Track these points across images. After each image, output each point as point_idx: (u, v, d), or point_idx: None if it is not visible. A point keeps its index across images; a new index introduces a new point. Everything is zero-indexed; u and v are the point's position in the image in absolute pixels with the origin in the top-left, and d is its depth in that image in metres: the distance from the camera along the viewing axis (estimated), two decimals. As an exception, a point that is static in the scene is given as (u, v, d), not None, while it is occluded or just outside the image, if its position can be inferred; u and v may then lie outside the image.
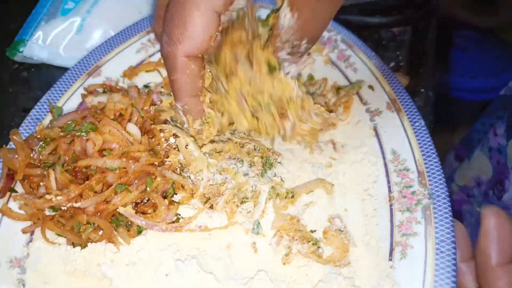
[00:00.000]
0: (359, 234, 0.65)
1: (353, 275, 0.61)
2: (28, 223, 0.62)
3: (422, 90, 0.85)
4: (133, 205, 0.61)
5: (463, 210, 0.66)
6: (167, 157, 0.66)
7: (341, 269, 0.61)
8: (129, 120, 0.65)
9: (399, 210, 0.65)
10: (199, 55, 0.50)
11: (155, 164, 0.63)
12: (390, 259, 0.61)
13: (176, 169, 0.66)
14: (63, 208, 0.59)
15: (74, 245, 0.61)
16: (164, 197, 0.63)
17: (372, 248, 0.62)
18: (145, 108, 0.67)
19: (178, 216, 0.64)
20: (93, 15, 0.90)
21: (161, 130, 0.68)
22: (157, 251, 0.59)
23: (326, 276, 0.60)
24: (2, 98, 0.88)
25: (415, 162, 0.68)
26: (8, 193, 0.63)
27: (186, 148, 0.68)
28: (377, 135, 0.74)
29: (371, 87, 0.79)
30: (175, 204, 0.63)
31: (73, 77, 0.80)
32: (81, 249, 0.60)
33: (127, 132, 0.63)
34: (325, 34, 0.87)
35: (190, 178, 0.66)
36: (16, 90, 0.89)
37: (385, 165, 0.70)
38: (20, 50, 0.87)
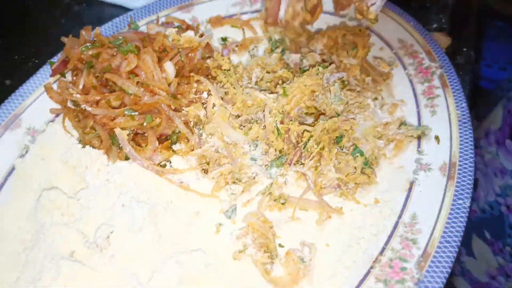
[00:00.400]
0: (323, 276, 0.57)
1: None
2: (59, 107, 0.69)
3: (464, 49, 0.85)
4: (133, 132, 0.63)
5: (486, 163, 0.58)
6: (190, 104, 0.67)
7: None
8: (171, 59, 0.66)
9: (376, 277, 0.55)
10: None
11: (171, 108, 0.64)
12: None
13: (190, 121, 0.66)
14: (82, 107, 0.65)
15: (80, 142, 0.67)
16: (165, 140, 0.64)
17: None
18: (190, 54, 0.67)
19: (169, 163, 0.65)
20: None
21: (198, 81, 0.69)
22: (129, 182, 0.61)
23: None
24: (55, 30, 0.92)
25: (429, 241, 0.57)
26: (58, 76, 0.71)
27: (212, 108, 0.67)
28: (409, 191, 0.63)
29: (437, 138, 0.67)
30: (171, 151, 0.64)
31: (164, 5, 0.84)
32: (82, 147, 0.66)
33: (163, 68, 0.65)
34: (426, 61, 0.75)
35: (200, 135, 0.66)
36: (68, 23, 0.94)
37: (395, 226, 0.60)
38: None
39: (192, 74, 0.67)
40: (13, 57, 0.90)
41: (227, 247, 0.60)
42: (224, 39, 0.83)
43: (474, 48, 0.80)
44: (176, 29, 0.75)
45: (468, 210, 0.59)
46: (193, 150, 0.65)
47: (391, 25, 0.81)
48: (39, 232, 0.58)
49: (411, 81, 0.75)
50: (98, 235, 0.56)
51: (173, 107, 0.64)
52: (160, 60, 0.64)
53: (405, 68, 0.76)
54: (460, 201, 0.60)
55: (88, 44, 0.65)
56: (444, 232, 0.57)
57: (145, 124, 0.61)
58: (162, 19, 0.81)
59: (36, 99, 0.71)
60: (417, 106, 0.72)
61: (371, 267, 0.56)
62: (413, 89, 0.74)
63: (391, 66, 0.77)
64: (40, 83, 0.72)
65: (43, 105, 0.70)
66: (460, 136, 0.66)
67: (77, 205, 0.60)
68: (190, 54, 0.67)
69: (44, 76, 0.73)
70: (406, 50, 0.78)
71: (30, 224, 0.60)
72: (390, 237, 0.59)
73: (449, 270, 0.54)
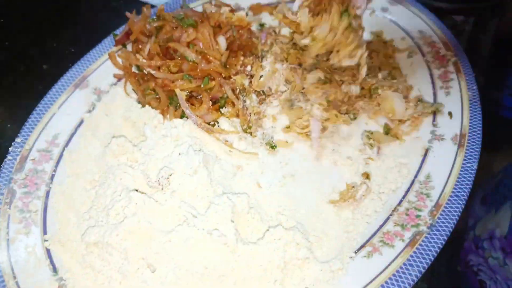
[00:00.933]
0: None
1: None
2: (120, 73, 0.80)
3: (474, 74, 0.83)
4: (188, 94, 0.73)
5: (469, 260, 0.63)
6: (236, 74, 0.77)
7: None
8: (224, 34, 0.77)
9: (394, 222, 0.65)
10: None
11: (222, 75, 0.74)
12: (356, 252, 0.63)
13: (237, 89, 0.76)
14: (145, 71, 0.75)
15: (139, 102, 0.77)
16: (214, 103, 0.75)
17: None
18: (240, 31, 0.78)
19: (216, 123, 0.75)
20: None
21: (244, 55, 0.79)
22: (184, 135, 0.71)
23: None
24: (92, 22, 0.99)
25: (440, 195, 0.66)
26: (120, 46, 0.82)
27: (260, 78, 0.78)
28: (424, 156, 0.73)
29: (450, 114, 0.77)
30: (219, 113, 0.75)
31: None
32: (141, 107, 0.76)
33: (216, 41, 0.75)
34: (442, 50, 0.86)
35: (244, 101, 0.76)
36: (106, 16, 0.99)
37: (412, 183, 0.69)
38: None
39: (239, 50, 0.77)
40: (52, 44, 0.97)
41: (267, 198, 0.69)
42: (262, 25, 0.93)
43: (483, 73, 0.84)
44: (230, 8, 0.85)
45: (475, 171, 0.68)
46: (238, 114, 0.75)
47: (414, 18, 0.91)
48: (108, 172, 0.69)
49: (429, 67, 0.85)
50: (160, 175, 0.66)
51: (223, 75, 0.74)
52: (215, 34, 0.75)
53: (423, 55, 0.86)
54: (468, 164, 0.69)
55: (154, 17, 0.76)
56: (454, 188, 0.67)
57: (202, 86, 0.71)
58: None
59: (101, 64, 0.81)
60: (433, 87, 0.82)
61: (390, 215, 0.66)
62: (431, 73, 0.84)
63: (411, 53, 0.87)
64: (104, 51, 0.83)
65: (107, 70, 0.81)
66: (470, 112, 0.76)
67: (140, 153, 0.71)
68: (240, 31, 0.77)
69: (107, 45, 0.84)
70: (425, 40, 0.88)
71: (98, 167, 0.70)
72: (407, 192, 0.69)
73: (457, 218, 0.63)
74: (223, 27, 0.77)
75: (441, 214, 0.64)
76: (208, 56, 0.73)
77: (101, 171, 0.70)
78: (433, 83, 0.83)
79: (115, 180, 0.67)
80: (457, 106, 0.77)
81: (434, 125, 0.76)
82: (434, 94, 0.81)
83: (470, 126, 0.74)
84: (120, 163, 0.69)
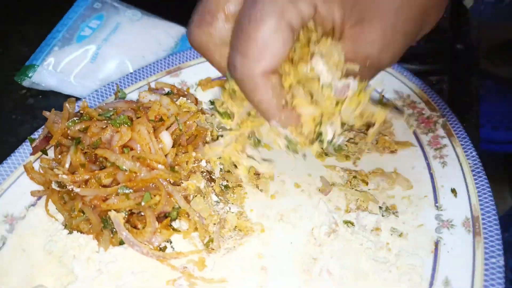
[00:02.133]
0: None
1: None
2: (40, 188, 0.62)
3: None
4: (128, 212, 0.56)
5: None
6: (189, 175, 0.61)
7: None
8: (167, 128, 0.62)
9: None
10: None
11: (170, 181, 0.58)
12: None
13: (190, 195, 0.60)
14: (68, 187, 0.58)
15: (66, 226, 0.59)
16: (164, 217, 0.58)
17: None
18: (188, 122, 0.63)
19: (169, 244, 0.58)
20: (110, 43, 0.85)
21: (196, 148, 0.64)
22: (126, 271, 0.54)
23: None
24: (3, 126, 0.81)
25: (469, 309, 0.51)
26: (39, 154, 0.65)
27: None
28: (436, 252, 0.58)
29: (454, 191, 0.63)
30: (171, 230, 0.58)
31: (153, 70, 0.81)
32: (68, 233, 0.58)
33: (159, 139, 0.60)
34: (426, 111, 0.74)
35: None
36: (20, 119, 0.82)
37: (429, 294, 0.54)
38: (29, 75, 0.82)
39: (188, 145, 0.62)
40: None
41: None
42: (212, 102, 0.80)
43: (477, 140, 0.76)
44: (170, 95, 0.71)
45: (503, 269, 0.54)
46: (196, 228, 0.58)
47: (385, 77, 0.80)
48: None
49: (414, 132, 0.72)
50: None
51: (171, 181, 0.58)
52: (155, 130, 0.59)
53: (406, 120, 0.74)
54: (493, 259, 0.55)
55: (75, 118, 0.60)
56: (483, 297, 0.52)
57: (143, 203, 0.55)
58: (152, 85, 0.77)
59: (15, 181, 0.63)
60: (426, 158, 0.69)
61: None
62: (418, 140, 0.71)
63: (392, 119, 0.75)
64: (19, 163, 0.65)
65: (23, 187, 0.63)
66: (477, 187, 0.63)
67: (66, 305, 0.52)
68: (188, 122, 0.62)
69: (23, 154, 0.66)
70: (404, 101, 0.77)
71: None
72: (425, 308, 0.53)
73: None
74: (166, 119, 0.62)
75: None
76: (149, 161, 0.57)
77: None
78: (424, 152, 0.70)
79: None
80: (459, 180, 0.64)
81: (438, 208, 0.63)
82: (429, 166, 0.68)
83: (481, 205, 0.61)
84: (38, 327, 0.50)
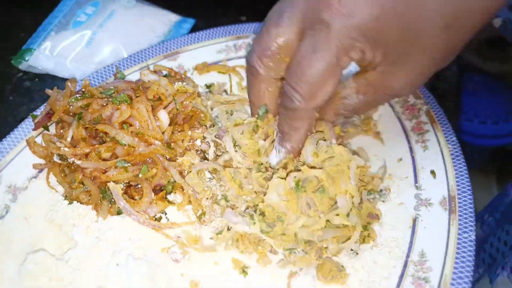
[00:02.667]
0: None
1: None
2: (42, 162, 0.65)
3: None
4: (126, 184, 0.60)
5: None
6: (184, 153, 0.65)
7: None
8: (165, 107, 0.65)
9: (394, 323, 0.53)
10: None
11: (166, 157, 0.62)
12: None
13: (185, 171, 0.64)
14: (69, 160, 0.61)
15: (66, 197, 0.63)
16: (160, 190, 0.62)
17: None
18: (185, 102, 0.66)
19: (164, 215, 0.62)
20: (105, 29, 0.87)
21: (192, 127, 0.67)
22: (124, 238, 0.57)
23: None
24: (2, 108, 0.83)
25: (441, 278, 0.55)
26: (41, 129, 0.68)
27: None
28: (413, 227, 0.62)
29: (433, 172, 0.67)
30: (166, 202, 0.61)
31: (151, 54, 0.84)
32: (68, 203, 0.61)
33: (157, 117, 0.63)
34: (411, 99, 0.78)
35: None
36: (17, 100, 0.85)
37: (405, 265, 0.58)
38: (26, 58, 0.84)
39: (185, 124, 0.65)
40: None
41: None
42: (208, 86, 0.83)
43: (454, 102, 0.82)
44: (168, 78, 0.74)
45: (474, 243, 0.58)
46: (190, 201, 0.62)
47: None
48: (24, 302, 0.53)
49: (399, 118, 0.76)
50: (93, 300, 0.51)
51: (168, 156, 0.62)
52: (153, 109, 0.63)
53: (392, 106, 0.78)
54: (466, 235, 0.59)
55: (77, 95, 0.63)
56: (455, 267, 0.56)
57: (140, 175, 0.58)
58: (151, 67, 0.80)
59: (17, 154, 0.66)
60: (409, 142, 0.73)
61: (387, 313, 0.54)
62: (403, 126, 0.75)
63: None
64: (21, 137, 0.68)
65: (25, 160, 0.66)
66: (455, 169, 0.67)
67: (67, 268, 0.55)
68: (184, 102, 0.65)
69: (26, 130, 0.69)
70: (390, 89, 0.80)
71: (13, 294, 0.54)
72: (401, 278, 0.57)
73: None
74: (164, 99, 0.65)
75: (447, 306, 0.53)
76: (146, 137, 0.60)
77: (16, 300, 0.54)
78: (407, 137, 0.74)
79: (33, 313, 0.51)
80: (439, 163, 0.68)
81: (417, 187, 0.67)
82: (411, 150, 0.72)
83: (457, 185, 0.65)
84: (40, 287, 0.53)
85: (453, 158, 0.68)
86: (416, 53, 0.50)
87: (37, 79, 0.88)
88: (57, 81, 0.87)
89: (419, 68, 0.51)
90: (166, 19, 0.96)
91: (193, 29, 0.96)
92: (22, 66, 0.86)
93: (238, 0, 1.03)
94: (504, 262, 0.71)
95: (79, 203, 0.61)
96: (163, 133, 0.63)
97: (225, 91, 0.83)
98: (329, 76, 0.49)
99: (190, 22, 0.98)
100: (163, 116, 0.63)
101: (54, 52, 0.86)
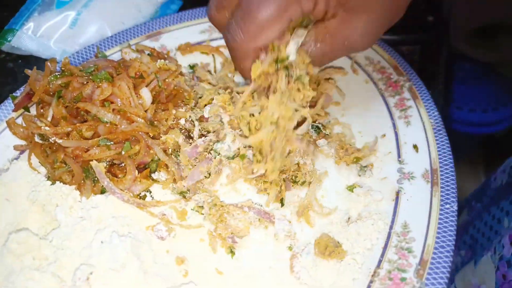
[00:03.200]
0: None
1: None
2: (23, 142, 0.64)
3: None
4: (109, 163, 0.59)
5: None
6: (168, 131, 0.64)
7: None
8: (147, 85, 0.64)
9: (377, 290, 0.54)
10: None
11: (149, 135, 0.61)
12: None
13: (169, 149, 0.63)
14: (51, 140, 0.60)
15: (49, 178, 0.62)
16: (144, 168, 0.61)
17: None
18: (167, 80, 0.66)
19: (149, 193, 0.61)
20: (90, 10, 0.86)
21: (175, 108, 0.67)
22: (108, 216, 0.57)
23: None
24: None
25: (424, 248, 0.56)
26: (21, 111, 0.67)
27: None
28: (396, 200, 0.63)
29: (415, 147, 0.68)
30: (150, 180, 0.61)
31: (133, 34, 0.83)
32: (50, 184, 0.61)
33: (139, 95, 0.63)
34: (394, 76, 0.78)
35: (179, 162, 0.63)
36: (1, 81, 0.83)
37: (388, 236, 0.59)
38: (9, 39, 0.82)
39: (169, 102, 0.65)
40: None
41: (221, 278, 0.56)
42: (192, 67, 0.82)
43: (442, 108, 0.80)
44: (151, 57, 0.73)
45: (456, 213, 0.59)
46: (175, 179, 0.62)
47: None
48: (6, 280, 0.52)
49: (382, 95, 0.77)
50: (77, 277, 0.51)
51: (151, 134, 0.61)
52: (136, 87, 0.62)
53: (375, 83, 0.78)
54: (448, 206, 0.60)
55: (56, 73, 0.62)
56: (437, 237, 0.57)
57: (123, 153, 0.58)
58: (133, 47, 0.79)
59: (-3, 136, 0.65)
60: (392, 118, 0.73)
61: (371, 281, 0.55)
62: (386, 103, 0.76)
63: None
64: (1, 119, 0.67)
65: (5, 142, 0.65)
66: (437, 143, 0.68)
67: (50, 247, 0.55)
68: (167, 80, 0.65)
69: (5, 112, 0.68)
70: (374, 67, 0.81)
71: (-4, 273, 0.54)
72: (385, 248, 0.58)
73: (448, 275, 0.53)
74: (146, 77, 0.64)
75: (429, 273, 0.54)
76: (129, 115, 0.59)
77: (0, 277, 0.53)
78: (390, 113, 0.74)
79: (16, 290, 0.50)
80: (421, 137, 0.69)
81: (400, 162, 0.67)
82: (394, 125, 0.72)
83: (440, 159, 0.66)
84: (23, 266, 0.53)
85: (435, 132, 0.69)
86: (374, 1, 0.50)
87: (20, 60, 0.86)
88: (41, 62, 0.84)
89: (373, 16, 0.51)
90: (153, -1, 0.95)
91: (180, 10, 0.95)
92: (5, 48, 0.85)
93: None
94: (490, 245, 0.72)
95: (62, 183, 0.61)
96: (146, 111, 0.62)
97: (209, 71, 0.83)
98: (275, 21, 0.49)
99: (177, 3, 0.97)
100: (146, 94, 0.63)
101: (37, 33, 0.84)
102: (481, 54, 1.47)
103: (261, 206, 0.62)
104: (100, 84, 0.61)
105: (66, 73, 0.63)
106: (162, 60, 0.67)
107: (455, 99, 1.46)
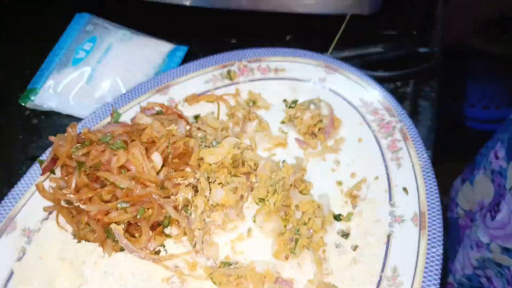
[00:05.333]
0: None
1: None
2: (51, 204, 0.73)
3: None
4: (127, 223, 0.67)
5: (465, 235, 0.60)
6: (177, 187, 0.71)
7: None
8: (157, 149, 0.72)
9: (369, 335, 0.60)
10: None
11: (161, 196, 0.69)
12: None
13: (178, 205, 0.71)
14: (75, 204, 0.69)
15: (75, 236, 0.70)
16: (158, 225, 0.69)
17: None
18: (174, 145, 0.73)
19: (163, 248, 0.69)
20: (103, 65, 0.93)
21: (184, 164, 0.74)
22: (128, 272, 0.65)
23: None
24: (12, 146, 0.90)
25: (411, 292, 0.62)
26: (48, 173, 0.75)
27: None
28: (387, 244, 0.69)
29: (405, 190, 0.73)
30: (163, 235, 0.68)
31: (144, 89, 0.90)
32: (77, 242, 0.69)
33: (151, 159, 0.70)
34: (386, 117, 0.83)
35: (189, 216, 0.71)
36: (26, 138, 0.91)
37: (379, 281, 0.65)
38: (32, 98, 0.91)
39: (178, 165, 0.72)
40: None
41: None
42: (196, 117, 0.89)
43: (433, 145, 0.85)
44: (160, 115, 0.80)
45: (441, 256, 0.65)
46: (185, 233, 0.69)
47: (353, 86, 0.88)
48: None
49: (375, 137, 0.82)
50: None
51: (162, 195, 0.69)
52: (147, 150, 0.69)
53: (369, 125, 0.84)
54: (434, 249, 0.65)
55: (78, 144, 0.70)
56: (423, 281, 0.63)
57: (138, 216, 0.65)
58: (143, 104, 0.86)
59: (29, 199, 0.74)
60: (384, 160, 0.79)
61: (364, 325, 0.61)
62: (379, 145, 0.81)
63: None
64: (31, 182, 0.75)
65: (36, 203, 0.73)
66: (426, 186, 0.73)
67: (80, 302, 0.63)
68: (174, 145, 0.72)
69: (34, 175, 0.76)
70: (368, 108, 0.86)
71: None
72: (376, 292, 0.64)
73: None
74: (157, 141, 0.72)
75: (417, 319, 0.59)
76: (142, 180, 0.67)
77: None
78: (383, 155, 0.80)
79: None
80: (411, 180, 0.74)
81: (391, 205, 0.73)
82: (386, 168, 0.78)
83: (428, 202, 0.71)
84: (57, 322, 0.61)
85: (424, 175, 0.74)
86: None
87: (43, 116, 0.95)
88: (62, 117, 0.94)
89: None
90: (161, 48, 1.02)
91: (188, 53, 1.02)
92: (29, 105, 0.94)
93: (230, 22, 1.07)
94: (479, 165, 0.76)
95: (87, 241, 0.69)
96: (157, 173, 0.70)
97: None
98: None
99: (182, 50, 1.03)
100: (157, 159, 0.70)
101: (57, 90, 0.93)
102: (494, 48, 1.45)
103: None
104: (116, 152, 0.68)
105: (86, 143, 0.71)
106: (173, 125, 0.75)
107: (468, 97, 1.46)
